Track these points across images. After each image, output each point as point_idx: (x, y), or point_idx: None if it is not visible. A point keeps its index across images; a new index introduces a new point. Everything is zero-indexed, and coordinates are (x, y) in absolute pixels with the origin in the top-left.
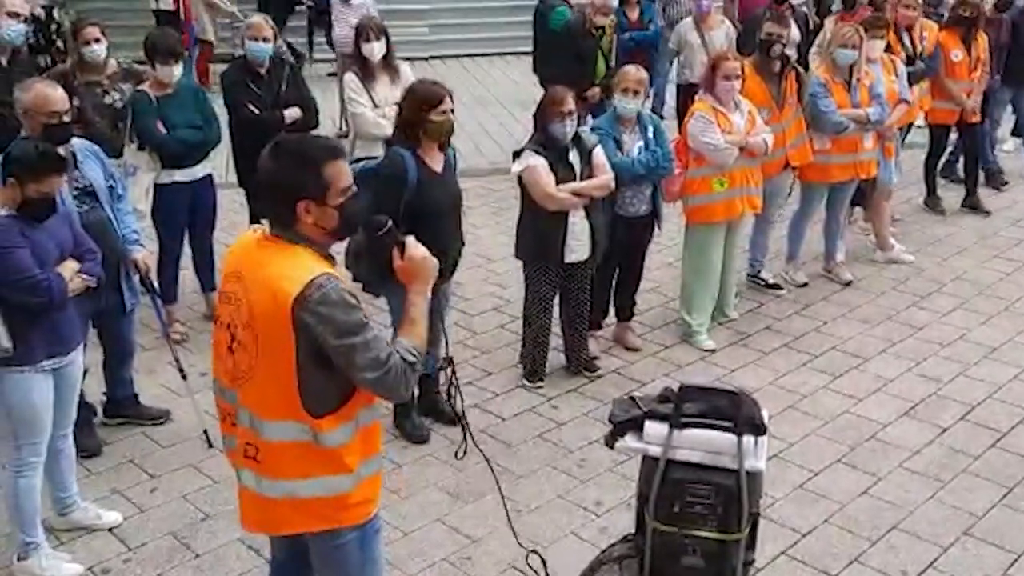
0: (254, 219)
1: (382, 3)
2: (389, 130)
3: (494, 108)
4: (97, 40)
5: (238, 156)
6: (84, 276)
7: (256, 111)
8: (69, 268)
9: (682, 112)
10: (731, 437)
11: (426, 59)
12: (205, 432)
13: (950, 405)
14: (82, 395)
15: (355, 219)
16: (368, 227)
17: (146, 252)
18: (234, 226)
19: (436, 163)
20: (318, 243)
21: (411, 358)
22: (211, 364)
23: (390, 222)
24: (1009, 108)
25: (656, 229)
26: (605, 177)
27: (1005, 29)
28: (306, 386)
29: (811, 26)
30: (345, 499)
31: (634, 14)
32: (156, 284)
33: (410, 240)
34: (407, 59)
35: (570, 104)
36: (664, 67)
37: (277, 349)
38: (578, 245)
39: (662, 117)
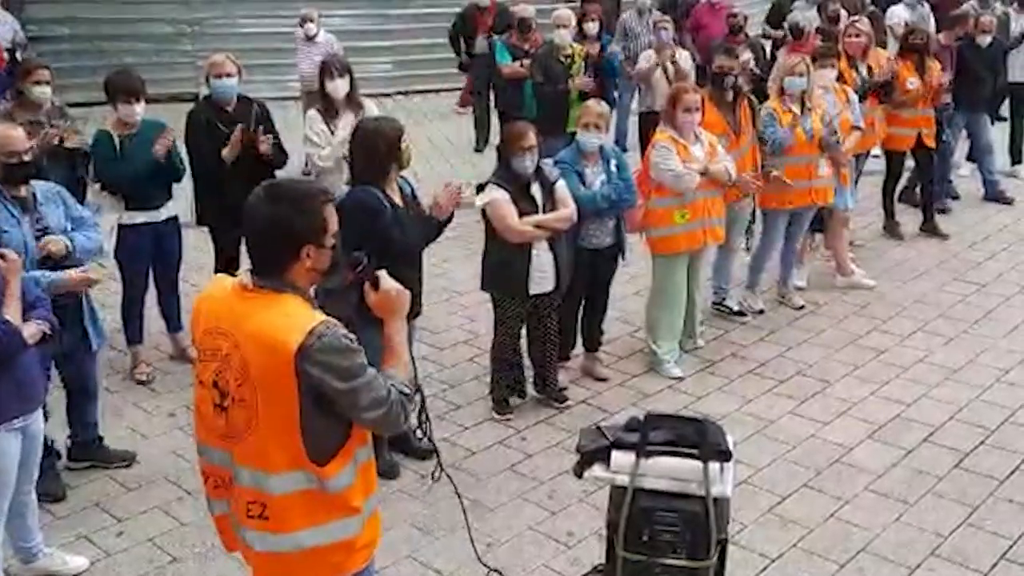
0: (221, 258)
1: (346, 40)
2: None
3: (460, 142)
4: (48, 81)
5: (201, 195)
6: (37, 322)
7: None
8: (12, 308)
9: (645, 141)
10: (697, 464)
11: (390, 95)
12: None
13: (913, 427)
14: (46, 439)
15: (338, 259)
16: (346, 265)
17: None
18: (201, 266)
19: (397, 196)
20: (303, 288)
21: (406, 390)
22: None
23: (366, 258)
24: (964, 133)
25: (621, 260)
26: (567, 211)
27: (950, 56)
28: (310, 434)
29: (767, 56)
30: (353, 543)
31: (594, 49)
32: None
33: (383, 274)
34: (371, 95)
35: (531, 139)
36: (625, 100)
37: (279, 402)
38: (543, 277)
39: (625, 150)
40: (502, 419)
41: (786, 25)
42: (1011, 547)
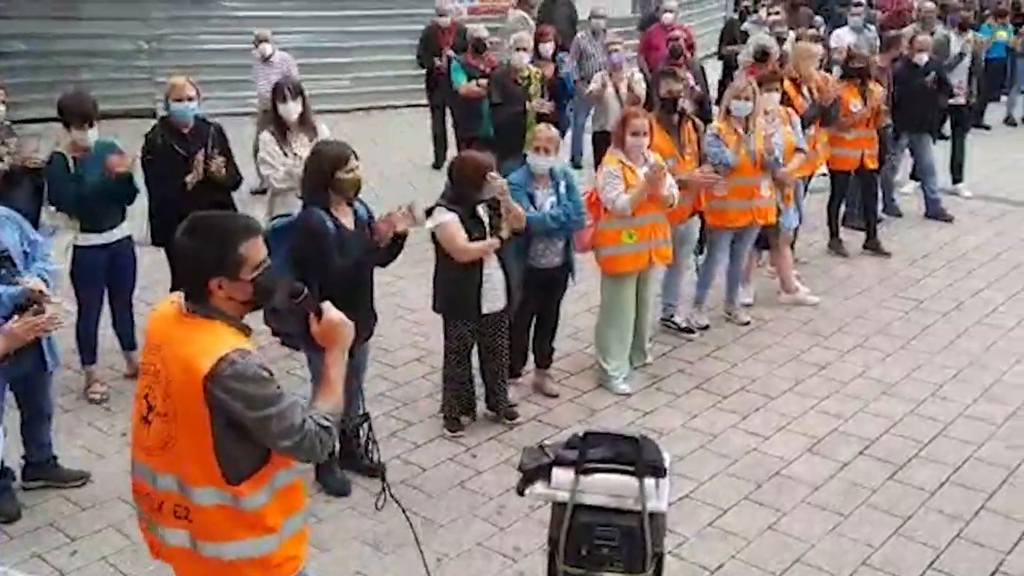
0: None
1: (302, 58)
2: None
3: (417, 159)
4: (2, 100)
5: (156, 215)
6: None
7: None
8: None
9: (599, 159)
10: (633, 480)
11: (348, 111)
12: None
13: (850, 440)
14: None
15: (269, 290)
16: (286, 294)
17: (38, 281)
18: (156, 284)
19: (347, 219)
20: (232, 315)
21: (326, 423)
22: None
23: (306, 289)
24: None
25: (571, 280)
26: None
27: (887, 78)
28: (223, 456)
29: (707, 79)
30: (268, 560)
31: (549, 70)
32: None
33: (326, 305)
34: (330, 111)
35: (493, 171)
36: (581, 118)
37: (193, 422)
38: (494, 296)
39: (580, 167)
40: (454, 437)
41: (750, 48)
42: (938, 556)
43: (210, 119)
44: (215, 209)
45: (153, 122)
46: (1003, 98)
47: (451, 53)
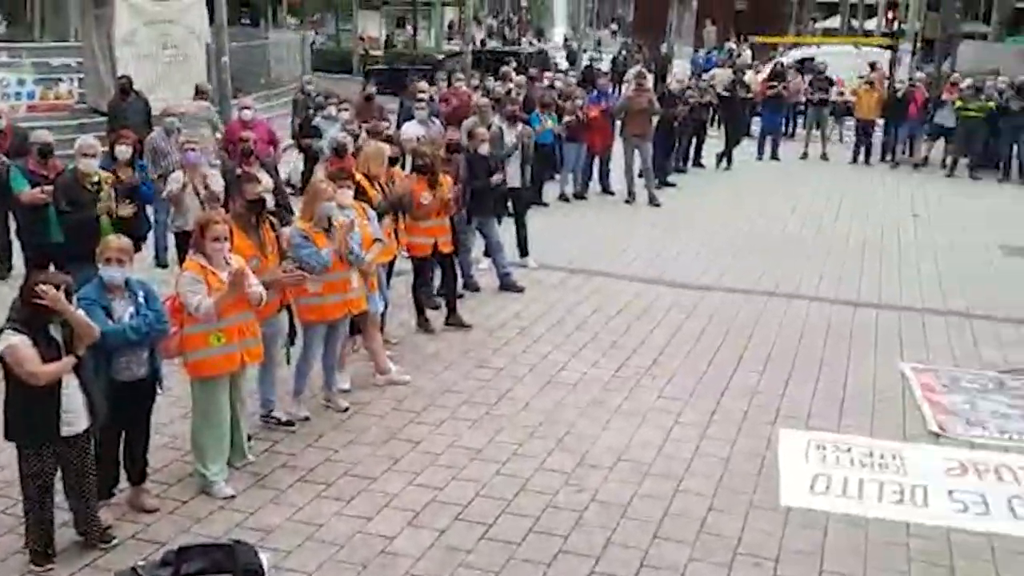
0: None
1: None
2: None
3: None
4: None
5: None
6: None
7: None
8: None
9: (182, 259)
10: None
11: None
12: None
13: (446, 508)
14: None
15: None
16: None
17: None
18: None
19: None
20: None
21: None
22: None
23: None
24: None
25: (158, 389)
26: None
27: (463, 168)
28: None
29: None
30: None
31: (126, 173)
32: None
33: None
34: None
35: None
36: (162, 217)
37: None
38: (74, 417)
39: (166, 265)
40: (43, 571)
41: (325, 144)
42: None
43: None
44: None
45: None
46: (556, 177)
47: (4, 159)
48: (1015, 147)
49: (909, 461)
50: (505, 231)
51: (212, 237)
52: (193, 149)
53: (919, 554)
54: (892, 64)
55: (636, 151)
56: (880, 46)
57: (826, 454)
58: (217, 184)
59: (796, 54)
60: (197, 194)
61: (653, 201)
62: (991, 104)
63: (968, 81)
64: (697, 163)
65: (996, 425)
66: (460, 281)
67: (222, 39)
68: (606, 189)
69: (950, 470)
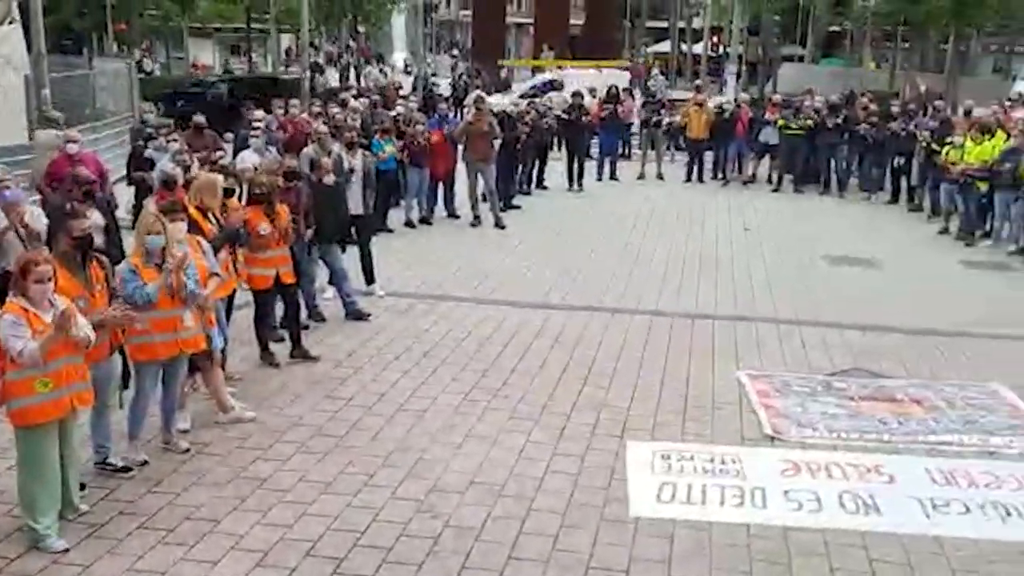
0: None
1: None
2: None
3: None
4: None
5: None
6: None
7: None
8: None
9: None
10: None
11: None
12: None
13: (295, 546)
14: None
15: None
16: None
17: None
18: None
19: None
20: None
21: None
22: None
23: None
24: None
25: None
26: None
27: (296, 197)
28: None
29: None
30: None
31: None
32: None
33: None
34: None
35: None
36: None
37: None
38: None
39: None
40: None
41: (156, 175)
42: None
43: None
44: None
45: None
46: (401, 203)
47: None
48: (832, 162)
49: (748, 464)
50: (349, 259)
51: (35, 279)
52: (9, 187)
53: (759, 553)
54: (632, 85)
55: (479, 175)
56: (620, 68)
57: (671, 463)
58: (39, 222)
59: (546, 76)
60: (17, 233)
61: (499, 224)
62: (810, 122)
63: (777, 97)
64: (540, 185)
65: (825, 425)
66: (304, 312)
67: (42, 68)
68: (451, 213)
69: (785, 471)
